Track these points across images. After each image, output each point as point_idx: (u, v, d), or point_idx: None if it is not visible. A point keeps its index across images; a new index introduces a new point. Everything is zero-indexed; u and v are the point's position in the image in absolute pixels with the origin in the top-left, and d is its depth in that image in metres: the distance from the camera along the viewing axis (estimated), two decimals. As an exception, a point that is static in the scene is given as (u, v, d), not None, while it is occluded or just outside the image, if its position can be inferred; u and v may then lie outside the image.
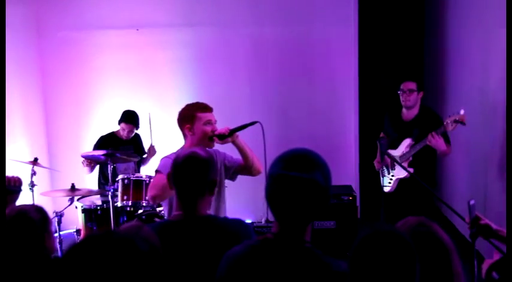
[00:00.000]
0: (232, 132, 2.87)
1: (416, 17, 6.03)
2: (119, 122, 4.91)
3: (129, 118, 4.89)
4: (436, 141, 3.77)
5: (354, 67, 5.77)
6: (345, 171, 5.49)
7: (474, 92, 4.79)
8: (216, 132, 2.86)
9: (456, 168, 5.41)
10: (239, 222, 2.05)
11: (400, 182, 4.10)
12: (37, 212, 2.07)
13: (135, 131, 5.10)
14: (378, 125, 4.61)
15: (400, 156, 4.03)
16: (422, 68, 6.08)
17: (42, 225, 2.05)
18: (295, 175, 1.47)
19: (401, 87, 4.14)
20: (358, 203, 4.79)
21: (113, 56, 5.76)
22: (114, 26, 5.70)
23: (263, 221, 5.83)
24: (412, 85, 4.12)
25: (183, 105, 2.99)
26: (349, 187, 4.82)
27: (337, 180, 4.60)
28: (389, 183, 4.17)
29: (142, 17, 5.73)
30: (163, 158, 2.87)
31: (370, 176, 5.75)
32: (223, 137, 2.85)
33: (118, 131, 4.97)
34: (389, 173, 4.20)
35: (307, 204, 1.49)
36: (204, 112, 2.88)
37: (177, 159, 2.04)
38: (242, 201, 5.74)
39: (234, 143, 2.90)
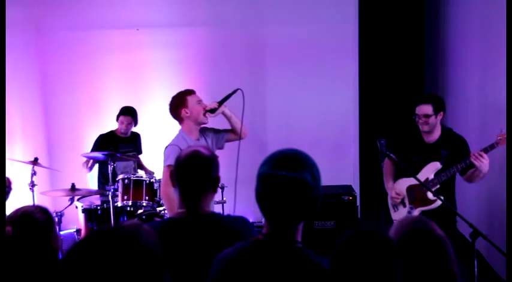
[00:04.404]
0: (220, 103, 3.32)
1: (416, 17, 6.04)
2: (117, 117, 4.94)
3: (127, 111, 4.94)
4: (486, 161, 3.25)
5: (354, 67, 5.76)
6: (345, 171, 5.48)
7: (474, 92, 4.79)
8: (207, 108, 3.29)
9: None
10: (242, 220, 2.06)
11: (422, 214, 3.47)
12: (42, 213, 2.06)
13: (134, 130, 5.10)
14: (377, 125, 4.59)
15: (425, 183, 3.44)
16: (422, 68, 6.09)
17: (48, 226, 2.05)
18: (283, 174, 1.46)
19: (416, 111, 3.54)
20: (358, 203, 4.78)
21: (113, 56, 5.75)
22: (114, 26, 5.70)
23: (263, 220, 5.84)
24: (428, 109, 3.48)
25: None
26: (349, 187, 4.81)
27: (337, 180, 4.66)
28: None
29: (142, 17, 5.72)
30: (168, 147, 3.20)
31: (370, 176, 5.76)
32: (214, 111, 3.29)
33: (117, 129, 4.99)
34: (405, 206, 3.65)
35: (296, 204, 1.48)
36: (191, 94, 3.32)
37: (180, 158, 2.05)
38: (242, 201, 5.73)
39: (224, 113, 3.35)
